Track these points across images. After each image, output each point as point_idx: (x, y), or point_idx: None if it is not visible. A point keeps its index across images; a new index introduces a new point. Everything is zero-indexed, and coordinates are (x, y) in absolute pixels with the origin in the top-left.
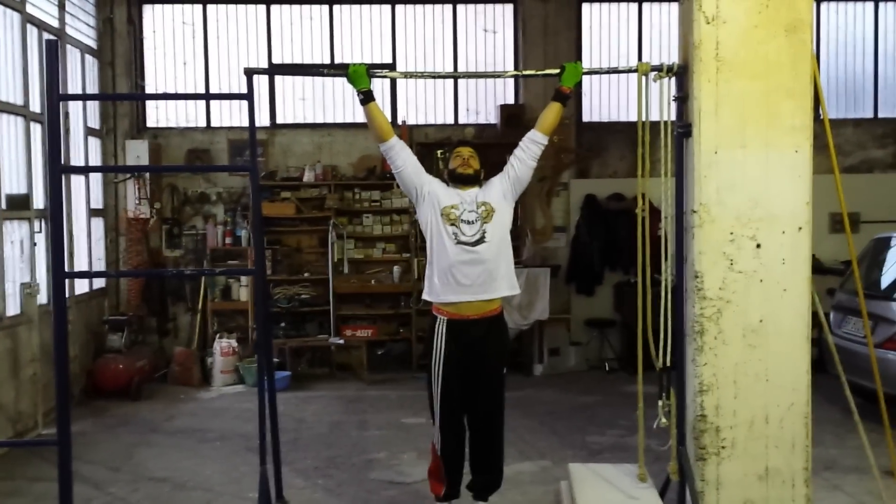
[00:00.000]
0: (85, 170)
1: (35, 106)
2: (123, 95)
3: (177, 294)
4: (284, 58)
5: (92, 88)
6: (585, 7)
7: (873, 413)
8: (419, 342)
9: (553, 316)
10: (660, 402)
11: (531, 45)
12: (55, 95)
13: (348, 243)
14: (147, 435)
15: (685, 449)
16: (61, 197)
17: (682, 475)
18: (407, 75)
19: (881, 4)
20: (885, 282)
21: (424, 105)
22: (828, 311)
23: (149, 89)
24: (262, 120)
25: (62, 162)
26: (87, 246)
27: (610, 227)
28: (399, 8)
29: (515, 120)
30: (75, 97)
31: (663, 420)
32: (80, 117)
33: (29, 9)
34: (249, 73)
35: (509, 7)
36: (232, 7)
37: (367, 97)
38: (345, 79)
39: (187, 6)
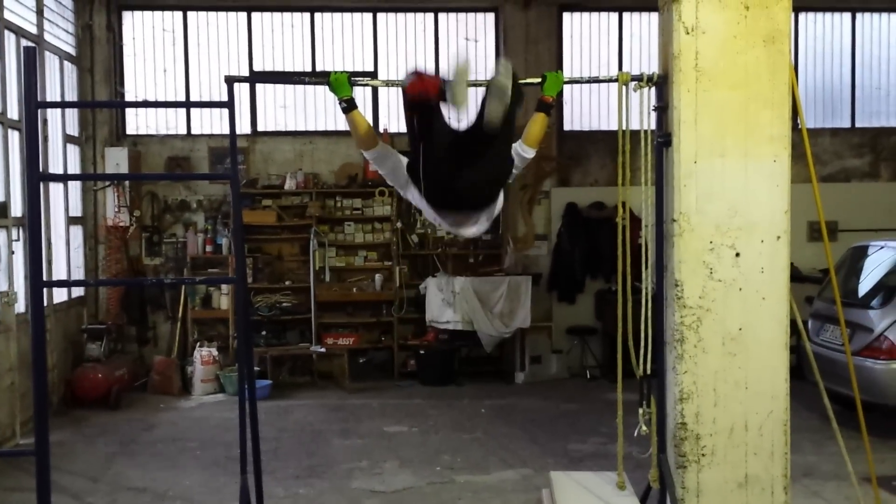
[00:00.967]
0: (63, 178)
1: (13, 113)
2: (103, 103)
3: (157, 302)
4: (266, 65)
5: (71, 95)
6: (566, 16)
7: (851, 420)
8: (401, 350)
9: (535, 324)
10: (640, 410)
11: (512, 54)
12: (33, 103)
13: (330, 251)
14: (126, 445)
15: (665, 457)
16: (39, 205)
17: (663, 483)
18: (389, 83)
19: (858, 15)
20: (863, 290)
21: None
22: (806, 318)
23: (128, 96)
24: (243, 127)
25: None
26: (66, 254)
27: (591, 236)
28: (381, 16)
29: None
30: (54, 105)
31: (644, 428)
32: (59, 124)
33: (7, 15)
34: (230, 80)
35: (490, 16)
36: (213, 14)
37: (349, 105)
38: (326, 86)
39: (167, 13)
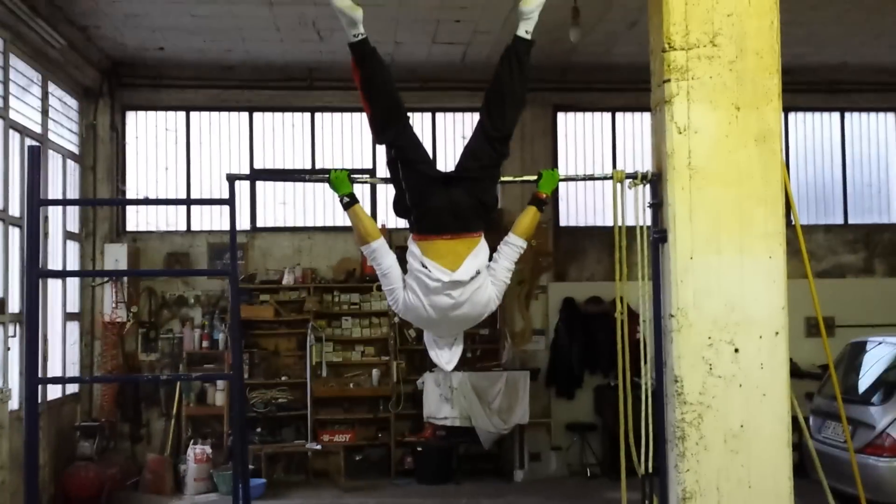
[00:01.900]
0: (62, 274)
1: (14, 210)
2: (104, 201)
3: (151, 399)
4: (266, 162)
5: (72, 192)
6: (561, 115)
7: None
8: (398, 447)
9: (533, 420)
10: None
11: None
12: (35, 201)
13: (327, 346)
14: None
15: None
16: (37, 302)
17: None
18: (387, 181)
19: (847, 114)
20: (863, 386)
21: None
22: (807, 415)
23: (129, 194)
24: (243, 223)
25: (40, 266)
26: (62, 350)
27: (589, 330)
28: None
29: (494, 224)
30: (55, 202)
31: None
32: (60, 221)
33: (12, 115)
34: (231, 178)
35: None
36: (215, 114)
37: (351, 200)
38: (326, 183)
39: (170, 113)
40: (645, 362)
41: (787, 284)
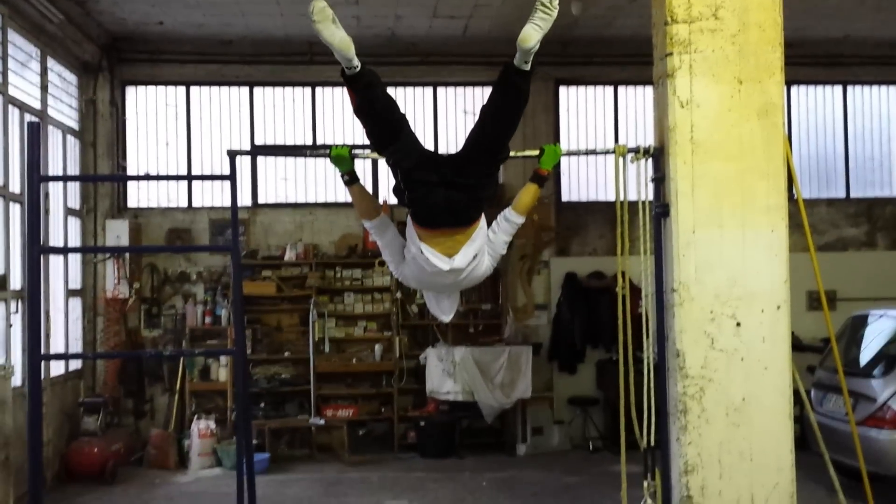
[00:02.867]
0: (64, 251)
1: (14, 186)
2: (105, 177)
3: (154, 374)
4: (267, 137)
5: (73, 168)
6: (563, 90)
7: (858, 491)
8: (401, 422)
9: (536, 394)
10: (645, 483)
11: None
12: (36, 177)
13: (329, 322)
14: None
15: None
16: (39, 278)
17: None
18: None
19: (849, 87)
20: (864, 359)
21: None
22: (808, 388)
23: (130, 169)
24: (244, 199)
25: (41, 243)
26: (64, 326)
27: (591, 305)
28: None
29: (494, 200)
30: (56, 178)
31: (649, 501)
32: (61, 197)
33: (11, 91)
34: (232, 154)
35: (488, 90)
36: (215, 88)
37: (351, 179)
38: (327, 159)
39: (170, 88)
40: (647, 336)
41: (788, 258)
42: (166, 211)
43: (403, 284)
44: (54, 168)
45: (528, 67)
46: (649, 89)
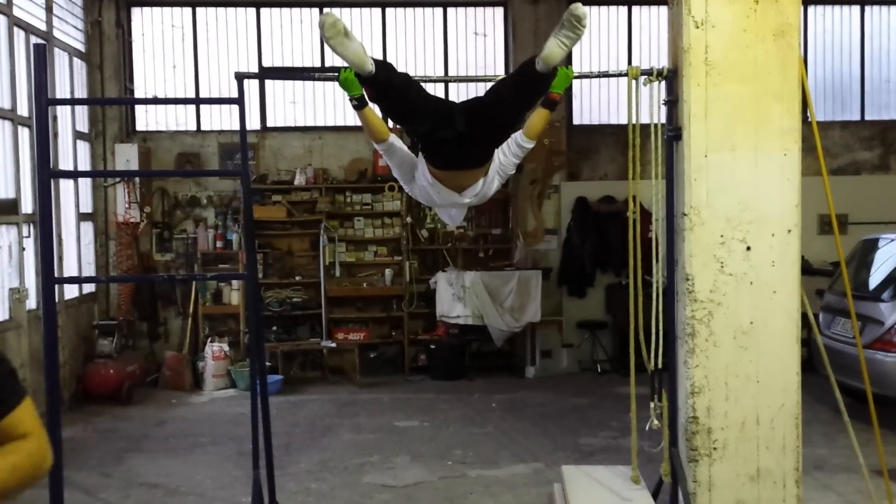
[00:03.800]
0: (74, 174)
1: (23, 110)
2: (112, 100)
3: (167, 298)
4: (274, 60)
5: (80, 91)
6: None
7: (863, 413)
8: (411, 345)
9: (545, 318)
10: (652, 404)
11: (521, 48)
12: (43, 100)
13: (340, 246)
14: (138, 440)
15: (677, 450)
16: (50, 202)
17: (675, 477)
18: None
19: (867, 8)
20: (873, 283)
21: None
22: (816, 312)
23: (138, 93)
24: (253, 123)
25: (51, 167)
26: (77, 250)
27: (601, 230)
28: (389, 10)
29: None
30: (64, 101)
31: (655, 422)
32: (69, 121)
33: (16, 12)
34: (240, 77)
35: (499, 10)
36: (221, 10)
37: (360, 103)
38: (335, 82)
39: (176, 9)
40: (656, 261)
41: (800, 182)
42: (175, 135)
43: (413, 210)
44: (62, 91)
45: (549, 71)
46: (664, 9)
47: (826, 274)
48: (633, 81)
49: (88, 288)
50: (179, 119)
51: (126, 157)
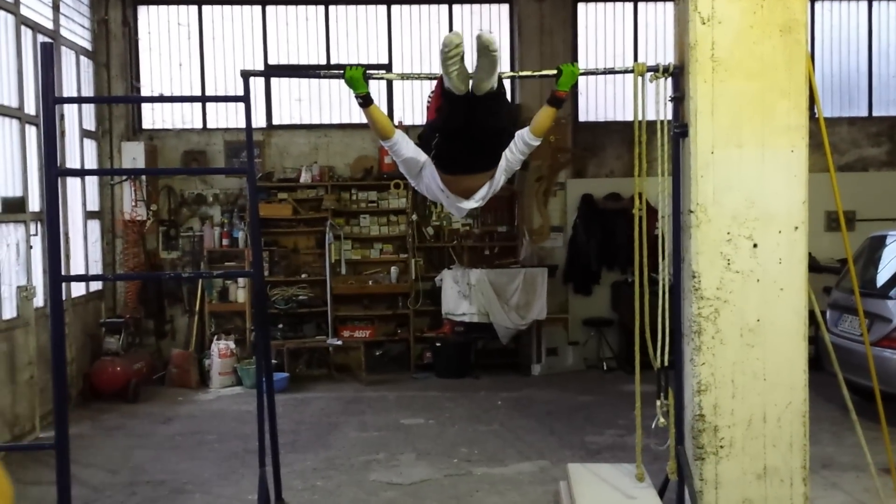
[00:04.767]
0: (81, 173)
1: (30, 108)
2: (119, 98)
3: (174, 296)
4: (280, 58)
5: (87, 90)
6: (581, 6)
7: (870, 411)
8: (417, 343)
9: (551, 316)
10: (658, 402)
11: (527, 45)
12: (50, 98)
13: (345, 244)
14: (145, 437)
15: (684, 448)
16: (57, 200)
17: (681, 474)
18: (403, 77)
19: (875, 3)
20: (881, 280)
21: (421, 105)
22: (824, 309)
23: (144, 91)
24: (259, 121)
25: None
26: (84, 248)
27: (607, 227)
28: (395, 8)
29: (511, 121)
30: (71, 100)
31: (661, 420)
32: (76, 119)
33: (23, 10)
34: (246, 75)
35: (505, 7)
36: (227, 8)
37: (365, 101)
38: (341, 80)
39: (182, 7)
40: (663, 258)
41: (808, 178)
42: (181, 133)
43: (419, 207)
44: (68, 89)
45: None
46: (670, 6)
47: (833, 271)
48: (639, 78)
49: (95, 286)
50: (186, 117)
51: (132, 155)
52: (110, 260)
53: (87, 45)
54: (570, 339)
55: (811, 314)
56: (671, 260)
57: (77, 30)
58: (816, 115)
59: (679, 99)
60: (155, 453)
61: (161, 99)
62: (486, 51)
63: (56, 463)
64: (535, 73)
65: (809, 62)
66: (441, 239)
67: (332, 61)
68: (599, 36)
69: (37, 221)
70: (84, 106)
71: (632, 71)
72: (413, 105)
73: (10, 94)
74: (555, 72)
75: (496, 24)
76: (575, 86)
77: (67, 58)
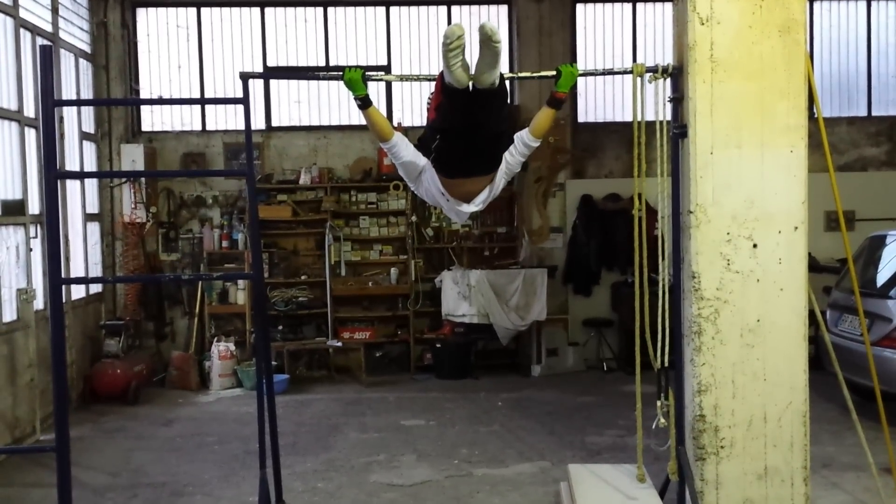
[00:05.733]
0: (80, 175)
1: (29, 111)
2: (118, 101)
3: (174, 298)
4: (279, 60)
5: (86, 92)
6: (580, 7)
7: (871, 411)
8: (417, 344)
9: (551, 316)
10: (658, 402)
11: (526, 46)
12: (50, 101)
13: (345, 245)
14: (145, 440)
15: (684, 449)
16: (57, 202)
17: (682, 475)
18: (402, 78)
19: (874, 3)
20: (881, 280)
21: (420, 106)
22: (824, 309)
23: (143, 93)
24: (258, 123)
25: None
26: (83, 250)
27: (606, 228)
28: (393, 10)
29: (510, 122)
30: (70, 103)
31: (662, 420)
32: (75, 121)
33: (22, 13)
34: (245, 77)
35: (504, 8)
36: (226, 10)
37: (364, 102)
38: (340, 81)
39: (181, 9)
40: (662, 258)
41: (807, 178)
42: (180, 135)
43: (419, 209)
44: (68, 92)
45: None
46: (669, 6)
47: (833, 271)
48: (638, 79)
49: (95, 288)
50: (185, 119)
51: (132, 157)
52: (110, 262)
53: (87, 48)
54: (570, 339)
55: (811, 314)
56: (671, 260)
57: (76, 32)
58: (816, 115)
59: (678, 99)
60: (155, 455)
61: (160, 101)
62: (488, 42)
63: (56, 465)
64: (534, 74)
65: (808, 62)
66: (441, 240)
67: (331, 63)
68: (598, 37)
69: (36, 224)
70: (83, 108)
71: (631, 72)
72: (412, 106)
73: (10, 97)
74: (554, 73)
75: (494, 24)
76: (574, 86)
77: (66, 60)
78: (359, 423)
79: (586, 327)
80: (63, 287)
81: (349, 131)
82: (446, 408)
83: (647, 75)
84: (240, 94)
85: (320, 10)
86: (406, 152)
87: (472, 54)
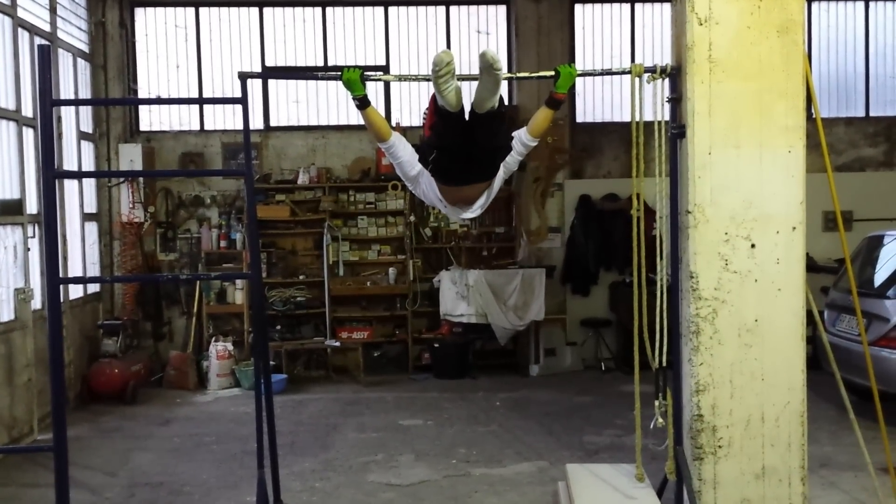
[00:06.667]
0: (78, 175)
1: (27, 111)
2: (117, 100)
3: (171, 298)
4: (277, 60)
5: (84, 92)
6: (578, 8)
7: (868, 410)
8: (415, 344)
9: (549, 316)
10: (656, 402)
11: (524, 46)
12: (48, 101)
13: (343, 245)
14: (143, 439)
15: (682, 448)
16: (55, 202)
17: (680, 475)
18: (401, 78)
19: (872, 4)
20: (879, 280)
21: (419, 106)
22: (821, 309)
23: (141, 93)
24: (256, 122)
25: (55, 167)
26: (81, 250)
27: (605, 228)
28: (392, 10)
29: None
30: (68, 102)
31: (660, 420)
32: (73, 121)
33: (20, 13)
34: (243, 77)
35: (502, 8)
36: (224, 10)
37: (362, 103)
38: (339, 81)
39: (179, 9)
40: (661, 258)
41: (805, 179)
42: (179, 135)
43: (417, 209)
44: (66, 91)
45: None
46: (667, 6)
47: (831, 271)
48: (637, 79)
49: (93, 288)
50: (183, 119)
51: (130, 157)
52: (108, 262)
53: (85, 48)
54: (569, 339)
55: (809, 314)
56: (669, 260)
57: (74, 32)
58: (814, 116)
59: (676, 100)
60: (153, 455)
61: (158, 101)
62: (489, 69)
63: (54, 465)
64: (533, 75)
65: (807, 63)
66: (439, 240)
67: (330, 63)
68: (597, 37)
69: (34, 224)
70: (81, 108)
71: (629, 72)
72: (410, 107)
73: (8, 97)
74: (552, 73)
75: (493, 25)
76: (572, 87)
77: (65, 60)
78: (357, 423)
79: (584, 327)
80: (61, 287)
81: (347, 131)
82: (444, 407)
83: (646, 75)
84: (238, 94)
85: (319, 9)
86: (404, 153)
87: (470, 54)
